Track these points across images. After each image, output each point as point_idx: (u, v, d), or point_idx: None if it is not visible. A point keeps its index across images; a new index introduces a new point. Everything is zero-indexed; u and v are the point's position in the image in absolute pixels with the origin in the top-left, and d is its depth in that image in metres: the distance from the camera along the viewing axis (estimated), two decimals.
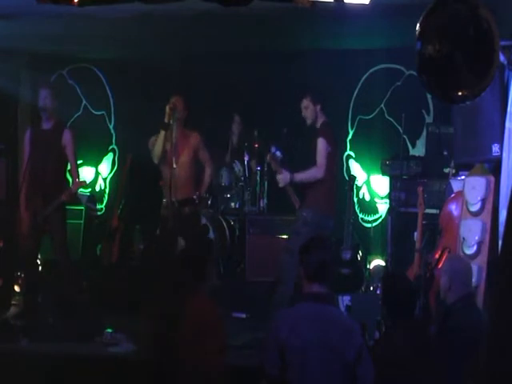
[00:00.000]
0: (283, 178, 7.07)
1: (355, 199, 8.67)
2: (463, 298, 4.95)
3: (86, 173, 9.51)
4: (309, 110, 7.02)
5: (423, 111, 8.39)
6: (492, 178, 6.24)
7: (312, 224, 6.78)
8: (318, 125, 7.02)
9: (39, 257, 7.80)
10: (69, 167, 7.35)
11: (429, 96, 8.15)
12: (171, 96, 7.32)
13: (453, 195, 6.78)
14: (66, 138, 7.25)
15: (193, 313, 4.57)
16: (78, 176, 7.36)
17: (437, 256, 6.28)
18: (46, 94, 7.24)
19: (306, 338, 4.08)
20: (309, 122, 7.05)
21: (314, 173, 6.90)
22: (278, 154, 7.77)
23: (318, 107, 7.01)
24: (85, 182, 7.63)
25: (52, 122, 7.32)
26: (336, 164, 7.24)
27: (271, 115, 8.63)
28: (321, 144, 6.89)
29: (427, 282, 5.89)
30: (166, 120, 7.21)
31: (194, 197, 7.44)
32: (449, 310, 4.95)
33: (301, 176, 6.98)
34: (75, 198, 7.75)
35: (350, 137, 8.98)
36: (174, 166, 7.12)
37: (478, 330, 4.50)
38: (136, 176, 8.83)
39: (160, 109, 7.35)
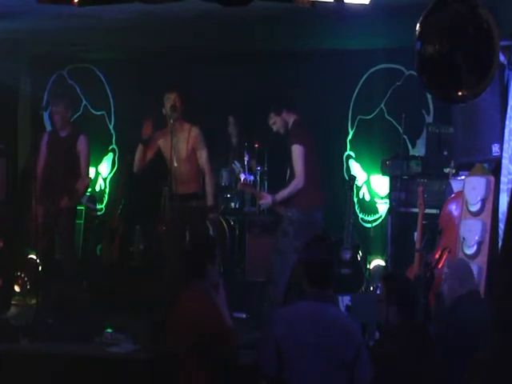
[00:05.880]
0: (265, 202, 7.06)
1: (355, 199, 8.67)
2: (463, 297, 4.95)
3: None
4: (277, 123, 6.93)
5: (423, 111, 8.38)
6: (492, 178, 6.25)
7: (298, 222, 6.73)
8: (290, 126, 6.96)
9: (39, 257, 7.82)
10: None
11: (429, 96, 8.15)
12: (169, 93, 7.32)
13: (453, 195, 6.78)
14: (81, 143, 7.43)
15: (182, 310, 4.57)
16: (90, 180, 7.66)
17: (437, 256, 6.28)
18: (61, 108, 7.46)
19: (304, 337, 4.07)
20: (282, 132, 6.97)
21: (295, 185, 6.78)
22: (250, 177, 7.80)
23: (284, 113, 6.91)
24: (89, 182, 7.75)
25: (68, 128, 7.53)
26: (315, 156, 6.96)
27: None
28: (295, 151, 6.76)
29: (427, 282, 5.89)
30: (169, 119, 7.20)
31: (200, 192, 7.44)
32: (450, 309, 4.96)
33: (282, 194, 6.86)
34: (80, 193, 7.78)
35: (350, 137, 8.98)
36: (175, 163, 7.13)
37: (479, 328, 4.51)
38: (136, 176, 8.82)
39: (160, 109, 7.36)
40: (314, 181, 6.85)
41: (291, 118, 6.94)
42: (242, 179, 7.58)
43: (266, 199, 7.00)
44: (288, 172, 7.17)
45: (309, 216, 6.79)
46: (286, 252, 6.68)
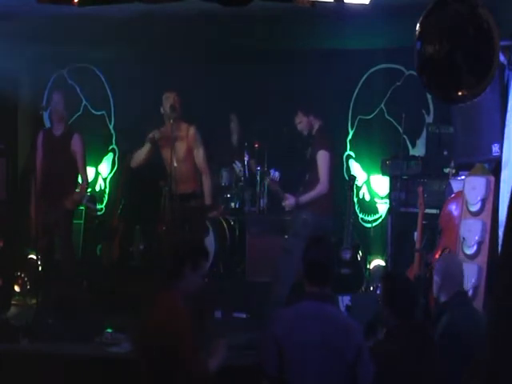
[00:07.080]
0: (289, 204, 7.11)
1: (355, 199, 8.67)
2: (455, 296, 4.94)
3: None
4: (303, 123, 7.06)
5: (423, 111, 8.38)
6: (492, 178, 6.24)
7: (312, 225, 6.80)
8: (314, 131, 7.04)
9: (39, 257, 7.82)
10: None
11: (429, 96, 8.14)
12: (168, 92, 7.34)
13: (453, 195, 6.78)
14: (76, 142, 7.42)
15: (154, 312, 4.51)
16: (87, 179, 7.58)
17: (437, 256, 6.28)
18: (58, 98, 7.46)
19: (305, 337, 4.07)
20: (305, 133, 7.12)
21: (319, 191, 6.94)
22: (277, 174, 7.82)
23: (311, 116, 7.05)
24: (86, 185, 7.73)
25: (62, 127, 7.51)
26: (334, 164, 7.21)
27: (271, 115, 8.63)
28: (321, 157, 6.90)
29: (427, 282, 5.88)
30: (168, 119, 7.21)
31: (198, 191, 7.45)
32: (441, 309, 4.95)
33: (306, 198, 7.00)
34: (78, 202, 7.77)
35: (350, 137, 8.98)
36: (175, 163, 7.14)
37: (472, 327, 4.52)
38: (136, 176, 8.82)
39: (160, 108, 7.36)
40: (331, 187, 6.98)
41: (317, 123, 7.06)
42: (271, 175, 7.64)
43: (290, 201, 7.05)
44: (307, 176, 7.18)
45: (323, 220, 6.89)
46: (294, 252, 6.70)
